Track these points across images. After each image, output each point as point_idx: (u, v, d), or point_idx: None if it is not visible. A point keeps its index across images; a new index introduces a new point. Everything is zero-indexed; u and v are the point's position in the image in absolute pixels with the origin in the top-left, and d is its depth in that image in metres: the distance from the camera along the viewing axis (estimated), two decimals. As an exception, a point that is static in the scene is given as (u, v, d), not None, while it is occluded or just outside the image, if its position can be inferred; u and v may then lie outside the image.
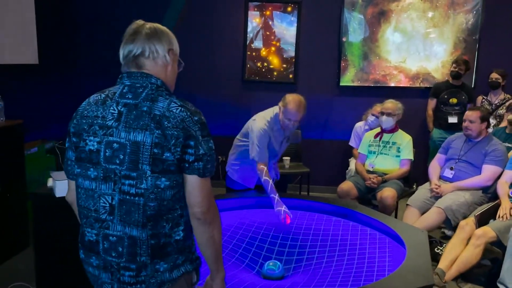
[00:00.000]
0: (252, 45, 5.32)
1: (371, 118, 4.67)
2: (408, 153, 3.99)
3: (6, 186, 3.50)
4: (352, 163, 4.70)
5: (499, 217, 3.20)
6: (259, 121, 3.27)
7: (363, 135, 4.43)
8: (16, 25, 4.14)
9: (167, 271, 1.39)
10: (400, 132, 4.09)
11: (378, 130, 4.15)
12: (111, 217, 1.37)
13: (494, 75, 4.78)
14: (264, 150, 3.20)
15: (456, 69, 4.76)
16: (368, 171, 4.01)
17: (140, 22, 1.46)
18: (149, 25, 1.44)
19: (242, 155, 3.41)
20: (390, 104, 4.05)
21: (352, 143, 4.87)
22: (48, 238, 2.60)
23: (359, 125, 4.87)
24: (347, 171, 4.79)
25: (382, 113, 4.04)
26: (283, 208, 2.93)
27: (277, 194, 3.01)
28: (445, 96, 4.83)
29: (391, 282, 2.17)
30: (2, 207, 3.48)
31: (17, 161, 3.67)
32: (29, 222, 3.57)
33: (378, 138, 4.09)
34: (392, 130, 4.06)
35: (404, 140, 4.02)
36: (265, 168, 3.14)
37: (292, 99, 3.15)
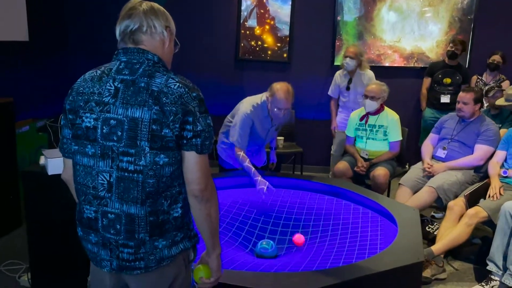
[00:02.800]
0: (246, 23, 5.25)
1: (345, 60, 4.37)
2: (395, 135, 3.89)
3: (-3, 165, 3.48)
4: (335, 143, 4.62)
5: (489, 196, 3.23)
6: (245, 105, 3.27)
7: (341, 83, 4.47)
8: (5, 0, 4.05)
9: (166, 247, 1.40)
10: (385, 112, 3.94)
11: (363, 112, 3.97)
12: (109, 194, 1.37)
13: (497, 57, 4.68)
14: (244, 136, 3.21)
15: (453, 49, 4.73)
16: (364, 158, 3.93)
17: (136, 0, 1.45)
18: (145, 2, 1.45)
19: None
20: (375, 86, 3.87)
21: (330, 92, 4.67)
22: (41, 216, 2.60)
23: (339, 73, 4.62)
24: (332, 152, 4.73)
25: (366, 96, 3.86)
26: (266, 186, 3.00)
27: (259, 176, 3.07)
28: (439, 76, 4.81)
29: (383, 259, 2.20)
30: (-6, 186, 3.46)
31: (8, 140, 3.63)
32: (21, 201, 3.56)
33: (364, 122, 3.95)
34: (377, 112, 3.91)
35: (391, 121, 3.88)
36: (242, 153, 3.18)
37: (280, 87, 3.12)
